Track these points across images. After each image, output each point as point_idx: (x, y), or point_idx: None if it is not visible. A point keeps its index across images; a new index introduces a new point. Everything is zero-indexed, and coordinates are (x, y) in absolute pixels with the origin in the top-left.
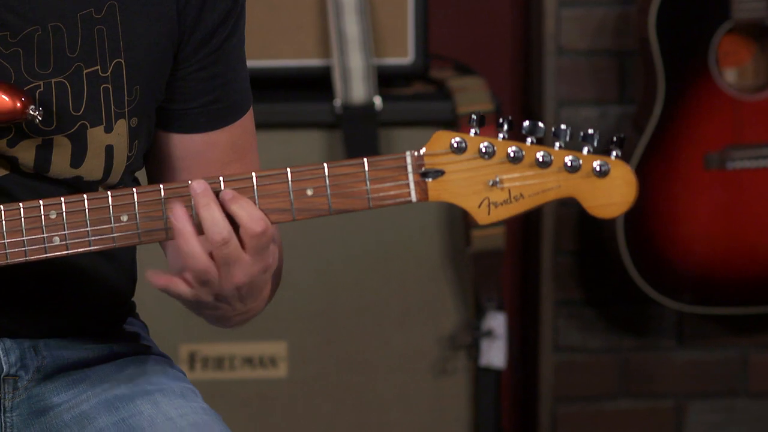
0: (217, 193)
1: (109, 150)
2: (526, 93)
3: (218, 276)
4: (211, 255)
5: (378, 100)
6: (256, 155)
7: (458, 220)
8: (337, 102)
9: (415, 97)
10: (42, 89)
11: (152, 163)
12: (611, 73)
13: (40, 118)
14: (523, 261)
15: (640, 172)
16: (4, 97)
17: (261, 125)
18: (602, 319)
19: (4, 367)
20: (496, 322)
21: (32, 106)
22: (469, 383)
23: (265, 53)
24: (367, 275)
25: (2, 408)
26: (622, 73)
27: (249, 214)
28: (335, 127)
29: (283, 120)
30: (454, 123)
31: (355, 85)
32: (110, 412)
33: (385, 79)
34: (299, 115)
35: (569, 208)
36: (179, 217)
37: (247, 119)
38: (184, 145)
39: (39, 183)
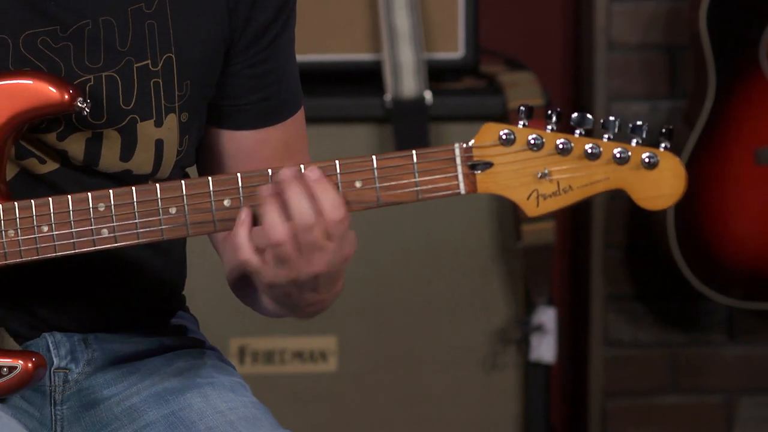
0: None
1: (159, 144)
2: (576, 88)
3: (297, 256)
4: (295, 239)
5: (428, 95)
6: (308, 156)
7: (508, 214)
8: (388, 97)
9: (465, 91)
10: (92, 83)
11: (204, 158)
12: (662, 68)
13: (88, 110)
14: (573, 256)
15: (691, 167)
16: (52, 89)
17: (311, 120)
18: (652, 313)
19: (54, 360)
20: (546, 316)
21: (80, 99)
22: (519, 378)
23: (315, 48)
24: (418, 270)
25: (52, 401)
26: (673, 67)
27: (331, 200)
28: (385, 122)
29: (333, 115)
30: (505, 118)
31: (406, 80)
32: (160, 406)
33: (436, 74)
34: (350, 109)
35: (619, 203)
36: (264, 194)
37: (298, 118)
38: (235, 141)
39: (88, 177)
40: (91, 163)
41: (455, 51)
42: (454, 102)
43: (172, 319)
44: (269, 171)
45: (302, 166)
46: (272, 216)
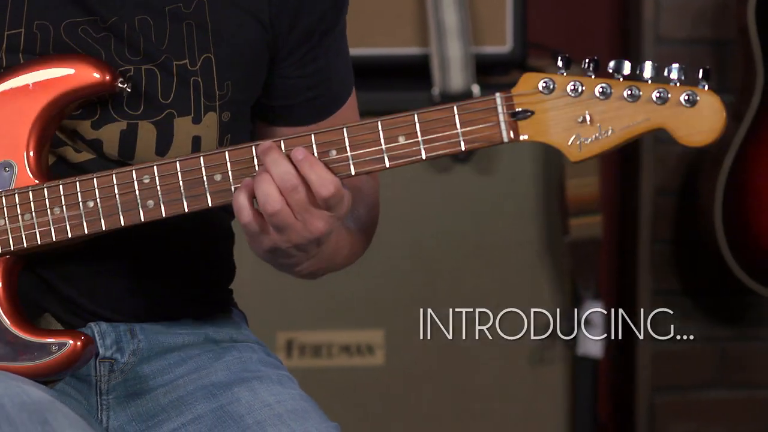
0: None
1: (197, 141)
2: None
3: (294, 220)
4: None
5: (476, 89)
6: None
7: (555, 208)
8: (436, 90)
9: (513, 85)
10: (132, 73)
11: None
12: (710, 62)
13: (128, 91)
14: (620, 250)
15: (739, 162)
16: (94, 70)
17: (359, 113)
18: (699, 308)
19: (100, 350)
20: (594, 311)
21: (121, 79)
22: (566, 372)
23: (363, 42)
24: (465, 263)
25: (98, 390)
26: (721, 62)
27: (319, 177)
28: None
29: (381, 108)
30: None
31: (454, 74)
32: (208, 399)
33: (484, 68)
34: (397, 103)
35: (666, 198)
36: (264, 153)
37: (350, 105)
38: None
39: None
40: (126, 157)
41: (503, 45)
42: None
43: (219, 313)
44: (312, 133)
45: (312, 134)
46: (263, 187)
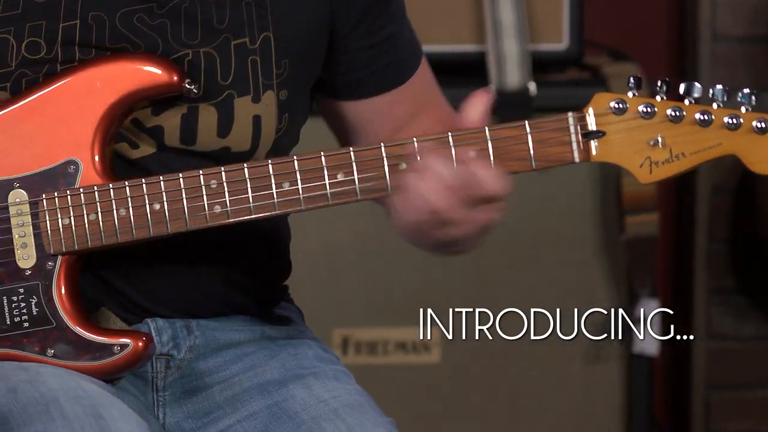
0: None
1: (257, 120)
2: (680, 79)
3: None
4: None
5: (532, 86)
6: (442, 100)
7: (611, 206)
8: (492, 88)
9: (569, 83)
10: (190, 57)
11: (342, 130)
12: (766, 60)
13: (195, 92)
14: (676, 248)
15: None
16: (160, 70)
17: None
18: (755, 307)
19: (157, 346)
20: (650, 309)
21: (188, 80)
22: (621, 370)
23: (420, 39)
24: (520, 261)
25: (155, 387)
26: None
27: (490, 175)
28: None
29: None
30: None
31: (510, 71)
32: (263, 396)
33: (540, 65)
34: (453, 100)
35: (723, 197)
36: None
37: (423, 69)
38: (367, 109)
39: (188, 159)
40: (188, 142)
41: (559, 42)
42: (558, 93)
43: (276, 309)
44: (382, 145)
45: (382, 145)
46: (428, 185)
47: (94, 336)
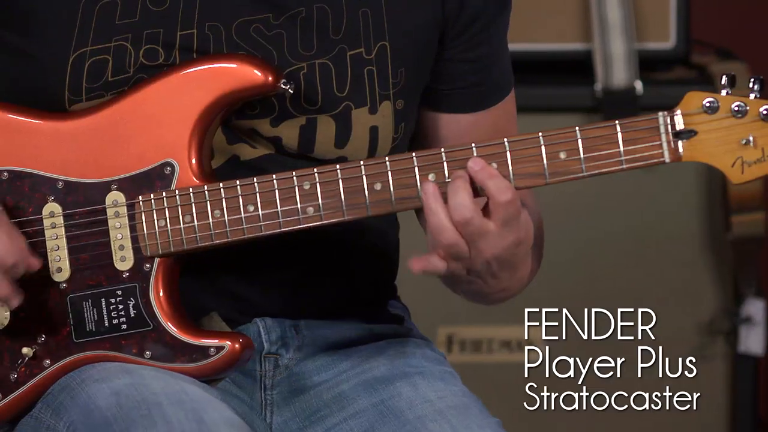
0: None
1: (374, 131)
2: None
3: (468, 250)
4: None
5: (639, 85)
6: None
7: (717, 205)
8: (598, 86)
9: (676, 81)
10: (305, 70)
11: (418, 142)
12: None
13: (291, 91)
14: None
15: None
16: (255, 71)
17: (520, 109)
18: None
19: (265, 345)
20: (755, 308)
21: (283, 80)
22: (727, 369)
23: (526, 37)
24: (625, 260)
25: (263, 386)
26: None
27: (496, 185)
28: (596, 111)
29: (542, 104)
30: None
31: (616, 70)
32: (369, 394)
33: (647, 64)
34: (559, 99)
35: None
36: (428, 193)
37: (509, 101)
38: (450, 125)
39: (303, 164)
40: (305, 150)
41: (666, 41)
42: (665, 92)
43: (383, 307)
44: (473, 145)
45: (474, 145)
46: (437, 219)
47: (191, 338)
